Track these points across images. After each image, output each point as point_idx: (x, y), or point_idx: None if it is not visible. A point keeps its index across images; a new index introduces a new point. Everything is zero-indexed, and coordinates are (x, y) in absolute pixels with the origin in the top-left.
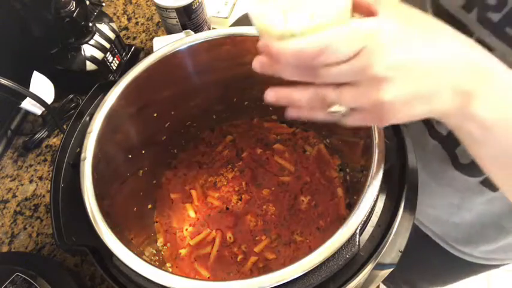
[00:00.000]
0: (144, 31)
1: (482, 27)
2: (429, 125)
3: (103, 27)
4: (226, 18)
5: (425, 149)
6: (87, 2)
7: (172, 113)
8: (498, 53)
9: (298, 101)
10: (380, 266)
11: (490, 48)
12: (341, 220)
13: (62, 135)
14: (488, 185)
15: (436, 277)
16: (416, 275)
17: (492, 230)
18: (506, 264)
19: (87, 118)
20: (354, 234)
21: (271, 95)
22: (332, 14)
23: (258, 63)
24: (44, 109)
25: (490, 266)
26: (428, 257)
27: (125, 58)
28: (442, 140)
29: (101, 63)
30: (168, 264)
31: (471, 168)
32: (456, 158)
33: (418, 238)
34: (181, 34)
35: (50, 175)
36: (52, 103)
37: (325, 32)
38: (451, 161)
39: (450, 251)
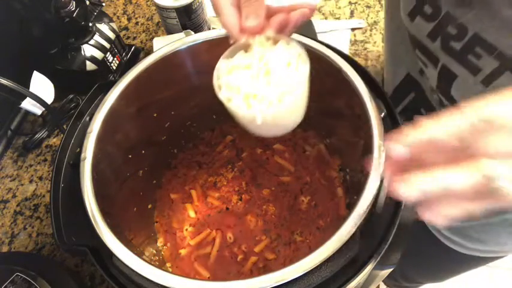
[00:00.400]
0: (144, 31)
1: (447, 54)
2: None
3: (103, 27)
4: None
5: None
6: (87, 2)
7: (172, 113)
8: (461, 79)
9: (453, 191)
10: (380, 266)
11: (454, 75)
12: (341, 220)
13: (62, 135)
14: None
15: (433, 271)
16: (412, 268)
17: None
18: (502, 257)
19: (87, 118)
20: (354, 235)
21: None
22: (294, 88)
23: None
24: (44, 109)
25: (486, 259)
26: (423, 248)
27: (125, 58)
28: None
29: (101, 63)
30: (168, 264)
31: None
32: None
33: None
34: (181, 34)
35: (50, 175)
36: (52, 103)
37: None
38: None
39: (444, 242)
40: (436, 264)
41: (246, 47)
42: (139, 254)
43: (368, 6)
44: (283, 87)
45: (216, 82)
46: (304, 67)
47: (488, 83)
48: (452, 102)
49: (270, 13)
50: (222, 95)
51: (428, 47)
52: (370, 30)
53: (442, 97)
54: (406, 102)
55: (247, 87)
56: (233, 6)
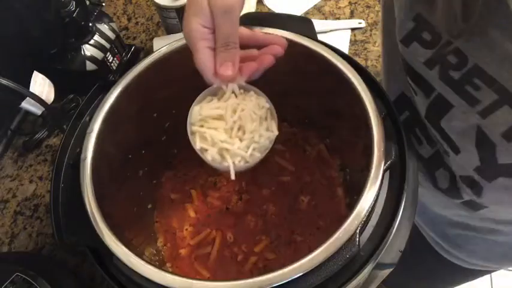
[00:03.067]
0: (144, 31)
1: (444, 84)
2: (411, 145)
3: (103, 27)
4: None
5: None
6: (87, 2)
7: (173, 112)
8: (458, 110)
9: None
10: (380, 266)
11: (450, 105)
12: (341, 220)
13: (62, 135)
14: (470, 206)
15: (431, 281)
16: (412, 280)
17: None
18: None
19: (87, 118)
20: (354, 234)
21: None
22: (266, 146)
23: None
24: (44, 109)
25: (485, 272)
26: (424, 262)
27: (125, 58)
28: (424, 161)
29: (101, 63)
30: (168, 264)
31: (448, 192)
32: (435, 180)
33: (415, 242)
34: (181, 34)
35: (50, 175)
36: (52, 103)
37: None
38: (431, 182)
39: (442, 254)
40: (438, 277)
41: (217, 90)
42: (139, 254)
43: (368, 6)
44: (255, 144)
45: (189, 128)
46: (274, 127)
47: (486, 115)
48: (440, 132)
49: (241, 44)
50: (197, 146)
51: (423, 76)
52: (370, 30)
53: (430, 126)
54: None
55: (221, 142)
56: (209, 48)
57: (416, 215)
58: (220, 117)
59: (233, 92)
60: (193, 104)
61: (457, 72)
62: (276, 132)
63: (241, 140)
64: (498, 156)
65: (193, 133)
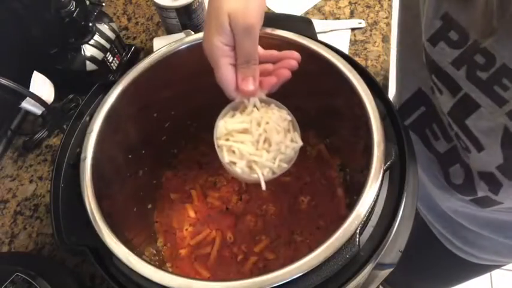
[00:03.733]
0: (144, 31)
1: (471, 84)
2: (427, 141)
3: (103, 27)
4: None
5: (420, 160)
6: (87, 2)
7: (172, 113)
8: (486, 110)
9: None
10: (380, 266)
11: (476, 104)
12: (341, 220)
13: (62, 135)
14: (478, 203)
15: (439, 278)
16: (418, 276)
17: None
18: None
19: (87, 118)
20: (354, 234)
21: None
22: (292, 156)
23: None
24: (44, 109)
25: (494, 267)
26: (430, 257)
27: (125, 58)
28: (438, 156)
29: (101, 63)
30: (168, 264)
31: (461, 188)
32: (448, 176)
33: (421, 237)
34: (181, 34)
35: (50, 175)
36: (52, 103)
37: None
38: (444, 177)
39: (453, 251)
40: (444, 273)
41: (239, 105)
42: (139, 254)
43: (368, 6)
44: (281, 156)
45: (216, 142)
46: (298, 138)
47: None
48: (464, 130)
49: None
50: (225, 160)
51: (450, 75)
52: (370, 30)
53: (452, 123)
54: (414, 117)
55: (249, 155)
56: (230, 65)
57: (425, 210)
58: (245, 131)
59: (255, 105)
60: (217, 119)
61: (485, 72)
62: (301, 143)
63: (268, 151)
64: None
65: (219, 147)
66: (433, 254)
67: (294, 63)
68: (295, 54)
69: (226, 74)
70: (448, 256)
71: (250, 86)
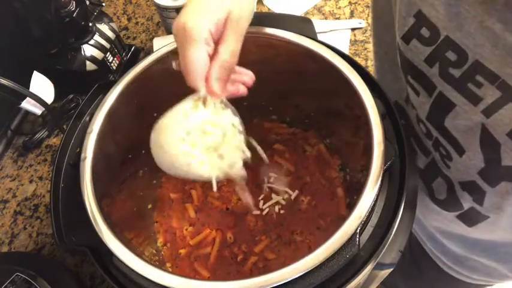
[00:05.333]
0: (144, 31)
1: (445, 82)
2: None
3: (103, 27)
4: None
5: None
6: (87, 2)
7: None
8: (461, 109)
9: None
10: (380, 266)
11: (451, 104)
12: (341, 220)
13: (62, 135)
14: (464, 219)
15: None
16: None
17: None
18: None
19: (87, 118)
20: (354, 234)
21: None
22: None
23: None
24: (44, 109)
25: (488, 286)
26: (425, 274)
27: (125, 58)
28: (420, 172)
29: (101, 63)
30: (168, 264)
31: (446, 203)
32: (433, 192)
33: (416, 255)
34: None
35: (50, 175)
36: (52, 103)
37: None
38: (428, 195)
39: (444, 269)
40: None
41: (200, 98)
42: (140, 254)
43: (368, 6)
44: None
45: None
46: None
47: (490, 114)
48: (444, 132)
49: None
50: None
51: (425, 73)
52: (370, 30)
53: (431, 127)
54: None
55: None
56: (207, 53)
57: (417, 228)
58: (204, 132)
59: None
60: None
61: (457, 69)
62: (249, 155)
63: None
64: (503, 157)
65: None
66: (427, 271)
67: (249, 83)
68: (250, 74)
69: (202, 59)
70: (440, 274)
71: (221, 89)
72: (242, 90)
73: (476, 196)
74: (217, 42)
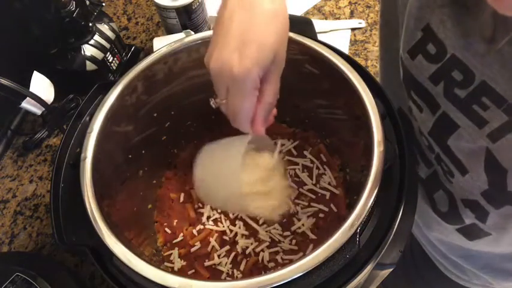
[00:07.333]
0: (144, 31)
1: (449, 102)
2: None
3: (103, 27)
4: None
5: None
6: (87, 2)
7: (172, 113)
8: (465, 131)
9: None
10: (380, 266)
11: (455, 125)
12: (341, 220)
13: (62, 135)
14: (465, 234)
15: None
16: None
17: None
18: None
19: (87, 118)
20: (354, 234)
21: None
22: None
23: None
24: (44, 109)
25: None
26: (426, 277)
27: (125, 58)
28: (422, 182)
29: (101, 63)
30: (168, 264)
31: (448, 216)
32: (435, 203)
33: (418, 259)
34: (181, 34)
35: (50, 175)
36: (52, 103)
37: None
38: (430, 205)
39: (444, 273)
40: None
41: (254, 142)
42: (140, 254)
43: (368, 6)
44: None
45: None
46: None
47: (495, 139)
48: (447, 151)
49: None
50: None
51: (429, 91)
52: (370, 30)
53: (434, 144)
54: None
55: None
56: (256, 100)
57: (417, 232)
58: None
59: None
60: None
61: (463, 90)
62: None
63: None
64: (509, 183)
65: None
66: (428, 274)
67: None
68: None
69: (251, 107)
70: (440, 276)
71: (263, 127)
72: (271, 117)
73: (478, 214)
74: (260, 81)
